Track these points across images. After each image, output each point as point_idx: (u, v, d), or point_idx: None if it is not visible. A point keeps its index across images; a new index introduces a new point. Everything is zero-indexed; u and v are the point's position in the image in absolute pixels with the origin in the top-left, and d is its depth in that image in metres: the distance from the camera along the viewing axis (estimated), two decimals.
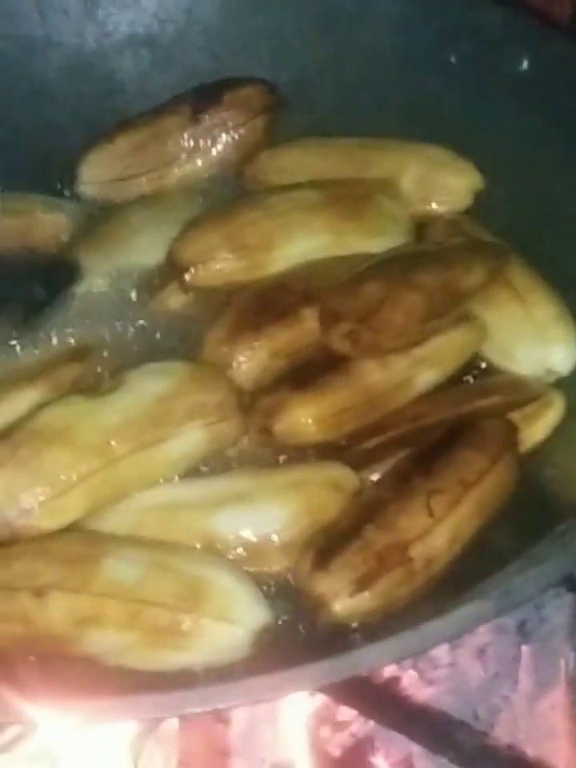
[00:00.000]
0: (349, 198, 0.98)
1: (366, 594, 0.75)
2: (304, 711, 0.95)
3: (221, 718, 0.95)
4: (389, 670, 0.96)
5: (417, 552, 0.77)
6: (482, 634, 0.99)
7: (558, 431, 0.88)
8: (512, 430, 0.84)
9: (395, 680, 0.96)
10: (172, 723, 0.92)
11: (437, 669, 0.97)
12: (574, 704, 0.92)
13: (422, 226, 1.01)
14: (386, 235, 0.97)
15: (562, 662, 0.94)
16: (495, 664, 0.98)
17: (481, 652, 0.98)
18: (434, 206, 1.02)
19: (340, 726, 0.95)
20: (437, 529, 0.78)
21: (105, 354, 0.90)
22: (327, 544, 0.77)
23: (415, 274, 0.87)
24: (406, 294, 0.86)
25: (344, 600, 0.75)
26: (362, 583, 0.75)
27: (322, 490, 0.82)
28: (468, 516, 0.79)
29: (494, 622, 0.98)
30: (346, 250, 0.96)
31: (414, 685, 0.96)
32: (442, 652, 0.98)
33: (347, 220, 0.97)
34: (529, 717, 0.96)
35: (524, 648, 0.98)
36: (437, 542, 0.77)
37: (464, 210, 1.02)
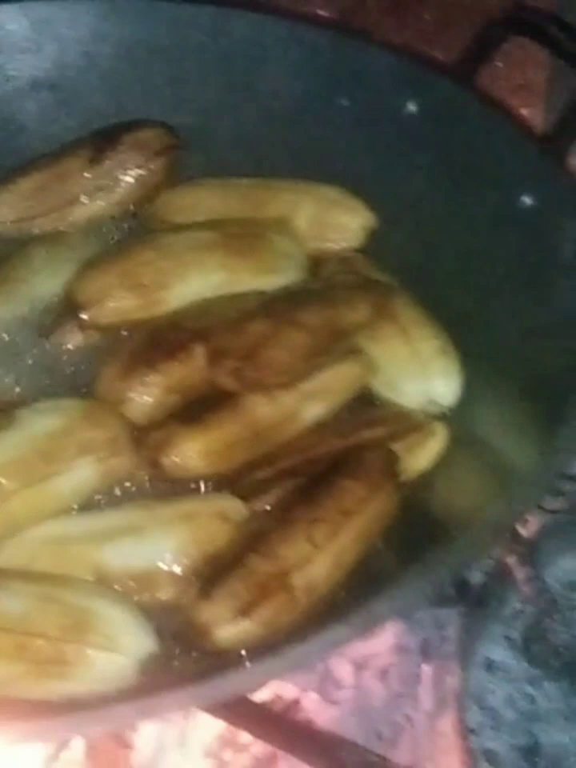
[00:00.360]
0: (243, 236, 1.01)
1: (248, 621, 0.78)
2: (208, 735, 0.97)
3: (126, 744, 0.97)
4: (291, 693, 0.99)
5: (298, 580, 0.79)
6: (385, 655, 1.02)
7: (441, 461, 0.91)
8: (392, 460, 0.87)
9: (297, 702, 0.99)
10: (77, 750, 0.94)
11: (340, 690, 1.00)
12: (461, 720, 0.95)
13: (316, 263, 1.04)
14: (280, 272, 1.01)
15: (449, 679, 0.97)
16: (397, 684, 1.00)
17: (384, 673, 1.01)
18: (327, 244, 1.05)
19: (242, 747, 0.97)
20: (317, 557, 0.80)
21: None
22: (212, 573, 0.80)
23: (298, 313, 0.91)
24: (288, 332, 0.89)
25: (226, 628, 0.78)
26: (244, 611, 0.78)
27: (210, 521, 0.85)
28: (348, 544, 0.82)
29: (396, 643, 1.02)
30: (240, 287, 0.99)
31: (317, 706, 0.99)
32: (346, 674, 1.01)
33: (241, 258, 1.00)
34: (429, 735, 0.99)
35: (425, 668, 1.01)
36: (317, 570, 0.80)
37: (357, 248, 1.05)
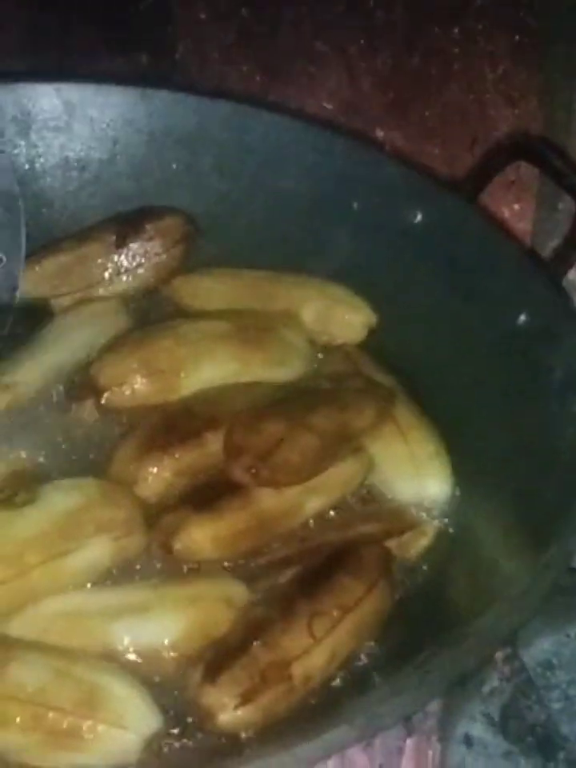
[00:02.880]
0: (253, 329, 1.08)
1: (250, 707, 0.83)
2: None
3: None
4: None
5: (297, 670, 0.84)
6: None
7: (435, 561, 0.96)
8: (388, 558, 0.93)
9: None
10: None
11: (325, 761, 1.04)
12: None
13: (321, 356, 1.11)
14: (287, 365, 1.07)
15: (430, 753, 1.02)
16: (381, 755, 1.04)
17: (368, 744, 1.05)
18: (331, 338, 1.12)
19: None
20: (316, 649, 0.85)
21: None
22: (216, 658, 0.85)
23: (312, 416, 0.97)
24: (302, 435, 0.95)
25: (229, 712, 0.83)
26: (246, 697, 0.83)
27: (215, 605, 0.90)
28: (345, 638, 0.87)
29: None
30: (250, 377, 1.05)
31: None
32: None
33: (251, 350, 1.06)
34: None
35: (408, 741, 1.05)
36: (315, 661, 0.85)
37: (358, 344, 1.12)
